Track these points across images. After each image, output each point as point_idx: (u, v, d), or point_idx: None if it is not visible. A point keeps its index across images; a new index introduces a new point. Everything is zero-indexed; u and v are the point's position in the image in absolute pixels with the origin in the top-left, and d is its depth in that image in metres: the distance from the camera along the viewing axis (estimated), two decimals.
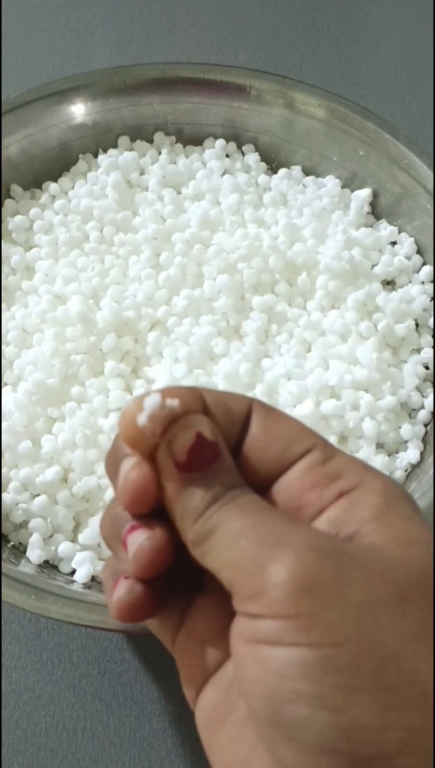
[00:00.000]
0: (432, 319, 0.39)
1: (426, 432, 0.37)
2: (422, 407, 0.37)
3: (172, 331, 0.38)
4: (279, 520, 0.18)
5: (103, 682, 0.36)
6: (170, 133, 0.45)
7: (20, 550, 0.34)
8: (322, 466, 0.20)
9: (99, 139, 0.44)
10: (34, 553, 0.33)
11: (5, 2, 0.60)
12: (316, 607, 0.16)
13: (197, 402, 0.20)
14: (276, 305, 0.39)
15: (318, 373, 0.36)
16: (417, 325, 0.39)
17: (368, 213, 0.43)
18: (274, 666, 0.16)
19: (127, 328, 0.38)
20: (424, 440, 0.37)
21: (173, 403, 0.19)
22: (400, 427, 0.37)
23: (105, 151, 0.44)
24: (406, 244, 0.41)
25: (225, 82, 0.44)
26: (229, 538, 0.18)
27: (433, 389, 0.38)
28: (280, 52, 0.58)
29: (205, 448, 0.19)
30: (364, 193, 0.42)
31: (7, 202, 0.42)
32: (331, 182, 0.43)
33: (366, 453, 0.35)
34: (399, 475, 0.36)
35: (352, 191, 0.43)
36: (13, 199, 0.43)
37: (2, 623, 0.37)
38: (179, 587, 0.21)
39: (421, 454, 0.36)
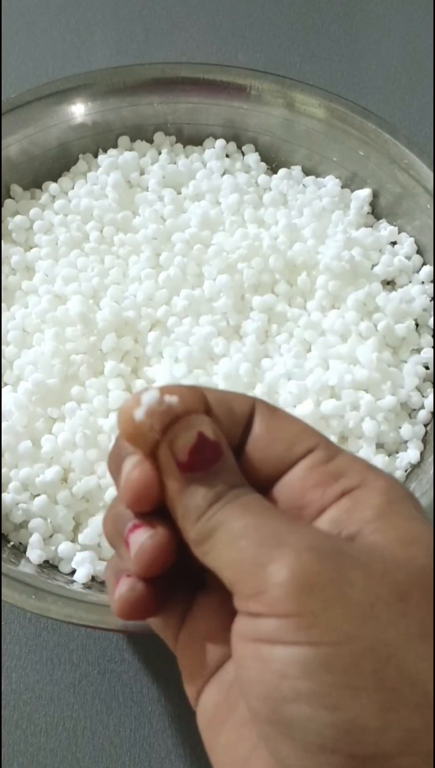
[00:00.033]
0: (432, 319, 0.39)
1: (426, 432, 0.37)
2: (422, 407, 0.37)
3: (172, 331, 0.38)
4: (280, 519, 0.18)
5: (103, 682, 0.36)
6: (170, 133, 0.45)
7: (20, 550, 0.34)
8: (324, 465, 0.20)
9: (99, 139, 0.44)
10: (34, 553, 0.33)
11: (5, 2, 0.60)
12: (317, 606, 0.16)
13: (199, 401, 0.20)
14: (276, 305, 0.39)
15: (318, 373, 0.36)
16: (417, 325, 0.39)
17: (368, 213, 0.43)
18: (275, 665, 0.16)
19: (127, 328, 0.38)
20: (424, 440, 0.37)
21: (172, 399, 0.19)
22: (400, 427, 0.37)
23: (105, 151, 0.44)
24: (406, 244, 0.41)
25: (225, 82, 0.44)
26: (230, 537, 0.18)
27: (433, 389, 0.38)
28: (280, 52, 0.58)
29: (207, 448, 0.19)
30: (364, 193, 0.42)
31: (7, 202, 0.42)
32: (331, 182, 0.43)
33: (366, 453, 0.35)
34: (399, 475, 0.36)
35: (352, 191, 0.43)
36: (13, 199, 0.43)
37: (2, 623, 0.37)
38: (181, 586, 0.21)
39: (421, 454, 0.36)
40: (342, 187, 0.43)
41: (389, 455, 0.36)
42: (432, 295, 0.40)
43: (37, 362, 0.36)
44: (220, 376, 0.36)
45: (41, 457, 0.34)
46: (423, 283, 0.41)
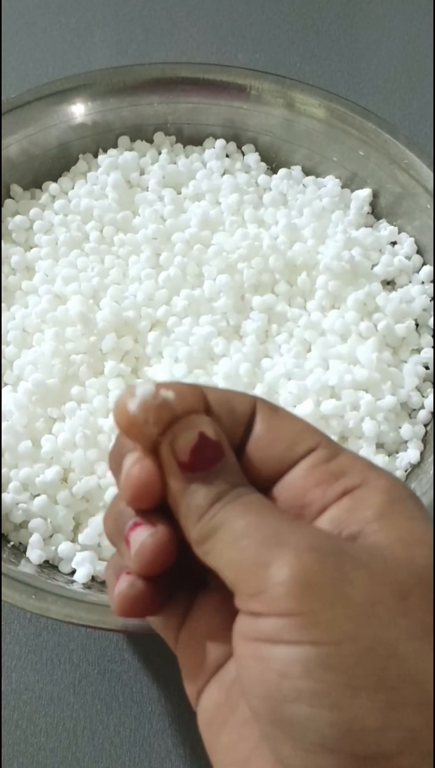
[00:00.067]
0: (432, 319, 0.39)
1: (426, 432, 0.37)
2: (422, 407, 0.37)
3: (172, 331, 0.38)
4: (281, 519, 0.18)
5: (103, 682, 0.36)
6: (170, 133, 0.45)
7: (20, 550, 0.34)
8: (326, 464, 0.20)
9: (99, 139, 0.44)
10: (34, 553, 0.33)
11: (5, 2, 0.60)
12: (317, 606, 0.16)
13: (199, 400, 0.20)
14: (276, 305, 0.39)
15: (318, 373, 0.36)
16: (417, 325, 0.39)
17: (368, 213, 0.43)
18: (275, 664, 0.16)
19: (127, 328, 0.38)
20: (424, 440, 0.37)
21: (168, 394, 0.19)
22: (400, 427, 0.37)
23: (105, 151, 0.44)
24: (406, 244, 0.41)
25: (225, 82, 0.44)
26: (231, 537, 0.18)
27: (433, 389, 0.38)
28: (280, 52, 0.58)
29: (208, 448, 0.19)
30: (364, 193, 0.42)
31: (7, 202, 0.42)
32: (331, 182, 0.43)
33: (366, 453, 0.35)
34: (399, 475, 0.36)
35: (352, 191, 0.43)
36: (13, 199, 0.43)
37: (2, 623, 0.37)
38: (182, 585, 0.21)
39: (421, 454, 0.36)
40: (342, 187, 0.43)
41: (389, 455, 0.36)
42: (432, 295, 0.40)
43: (37, 362, 0.36)
44: (220, 376, 0.36)
45: (41, 457, 0.34)
46: (423, 283, 0.41)
